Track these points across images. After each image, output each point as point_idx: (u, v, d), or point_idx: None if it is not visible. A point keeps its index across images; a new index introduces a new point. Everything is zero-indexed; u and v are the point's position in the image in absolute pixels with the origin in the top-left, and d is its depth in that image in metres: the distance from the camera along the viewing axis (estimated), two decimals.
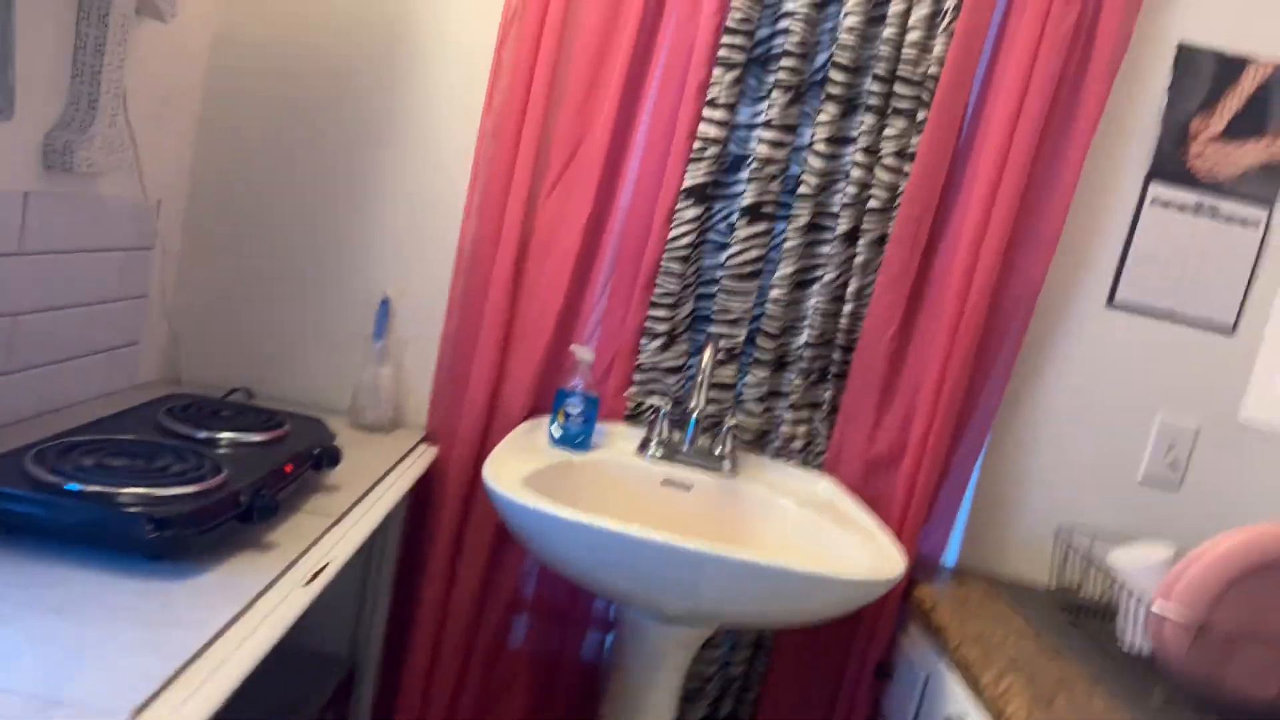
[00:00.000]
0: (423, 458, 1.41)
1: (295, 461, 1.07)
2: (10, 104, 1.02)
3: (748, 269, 1.44)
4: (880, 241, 1.42)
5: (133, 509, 0.85)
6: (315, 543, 1.00)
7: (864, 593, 1.16)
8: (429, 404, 1.50)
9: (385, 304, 1.48)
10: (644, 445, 1.44)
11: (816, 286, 1.45)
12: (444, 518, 1.42)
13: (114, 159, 1.20)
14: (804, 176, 1.41)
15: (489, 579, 1.46)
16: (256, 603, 0.85)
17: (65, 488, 0.86)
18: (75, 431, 1.01)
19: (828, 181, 1.42)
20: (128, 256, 1.33)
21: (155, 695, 0.68)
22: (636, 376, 1.47)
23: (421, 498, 1.45)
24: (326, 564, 0.97)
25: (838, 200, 1.43)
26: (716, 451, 1.43)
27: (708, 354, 1.38)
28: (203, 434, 1.10)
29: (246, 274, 1.49)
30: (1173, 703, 1.14)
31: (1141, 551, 1.28)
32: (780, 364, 1.48)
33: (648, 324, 1.44)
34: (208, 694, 0.70)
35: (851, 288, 1.44)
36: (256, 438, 1.11)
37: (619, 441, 1.46)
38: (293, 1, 1.44)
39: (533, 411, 1.46)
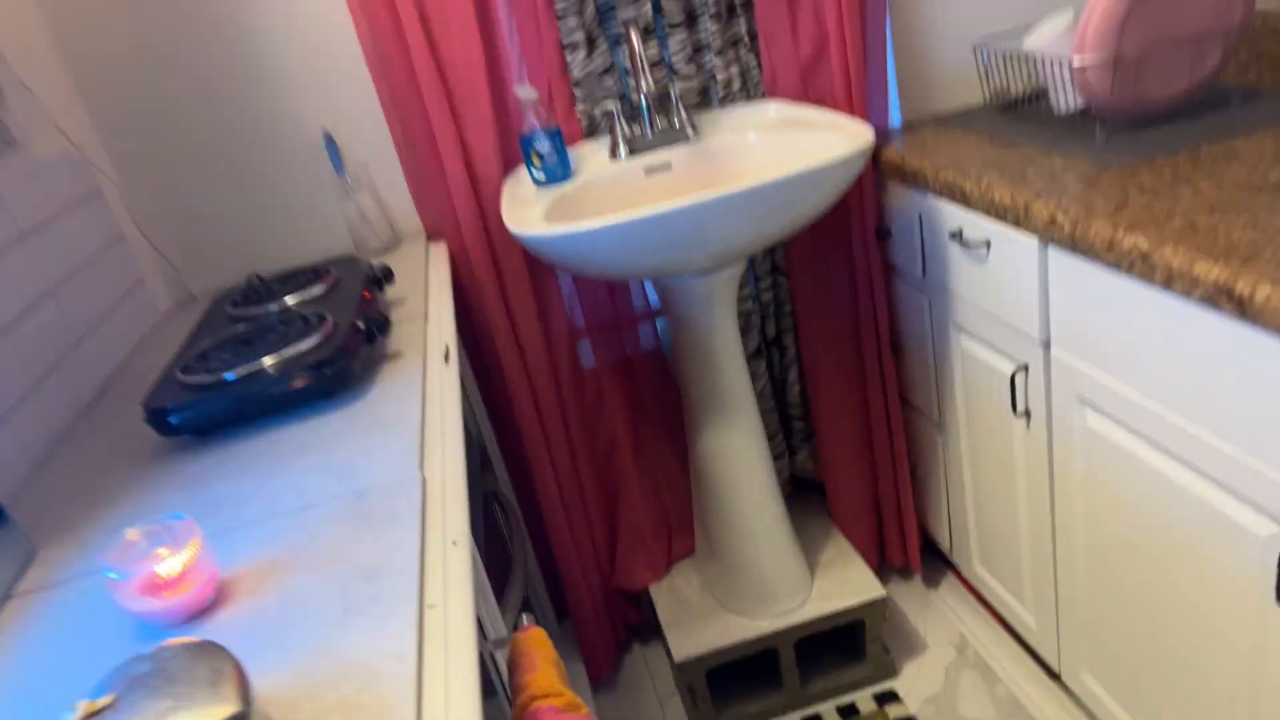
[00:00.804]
0: (439, 253, 1.53)
1: (367, 288, 1.19)
2: None
3: None
4: None
5: (290, 373, 0.99)
6: (425, 335, 1.16)
7: (850, 168, 1.34)
8: (415, 208, 1.60)
9: (329, 138, 1.53)
10: (614, 150, 1.56)
11: None
12: (483, 289, 1.57)
13: (34, 118, 1.21)
14: None
15: (543, 321, 1.63)
16: (426, 386, 1.02)
17: (225, 378, 0.99)
18: (180, 354, 1.12)
19: None
20: (90, 208, 1.36)
21: (421, 457, 0.86)
22: (577, 92, 1.56)
23: (455, 284, 1.59)
24: (446, 345, 1.13)
25: None
26: (675, 124, 1.56)
27: (634, 38, 1.46)
28: (274, 306, 1.22)
29: (191, 177, 1.52)
30: (1111, 134, 1.37)
31: (1047, 27, 1.46)
32: (691, 19, 1.57)
33: (564, 39, 1.51)
34: (450, 445, 0.89)
35: None
36: (319, 289, 1.23)
37: (591, 157, 1.58)
38: None
39: (506, 169, 1.56)
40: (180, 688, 0.53)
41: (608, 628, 1.82)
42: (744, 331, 1.77)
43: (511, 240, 1.56)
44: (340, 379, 1.00)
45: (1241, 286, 0.91)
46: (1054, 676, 1.60)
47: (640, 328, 1.75)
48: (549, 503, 1.71)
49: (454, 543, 0.73)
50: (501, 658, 0.91)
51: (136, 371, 1.27)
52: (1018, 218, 1.25)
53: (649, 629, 1.92)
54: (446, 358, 1.10)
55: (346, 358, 1.01)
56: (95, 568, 0.81)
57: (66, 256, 1.25)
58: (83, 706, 0.53)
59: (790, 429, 1.90)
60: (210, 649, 0.57)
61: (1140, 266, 1.04)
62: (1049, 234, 1.19)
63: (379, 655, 0.61)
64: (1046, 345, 1.29)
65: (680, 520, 1.86)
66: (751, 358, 1.80)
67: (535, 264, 1.61)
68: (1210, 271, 0.94)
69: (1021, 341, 1.34)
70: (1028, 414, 1.37)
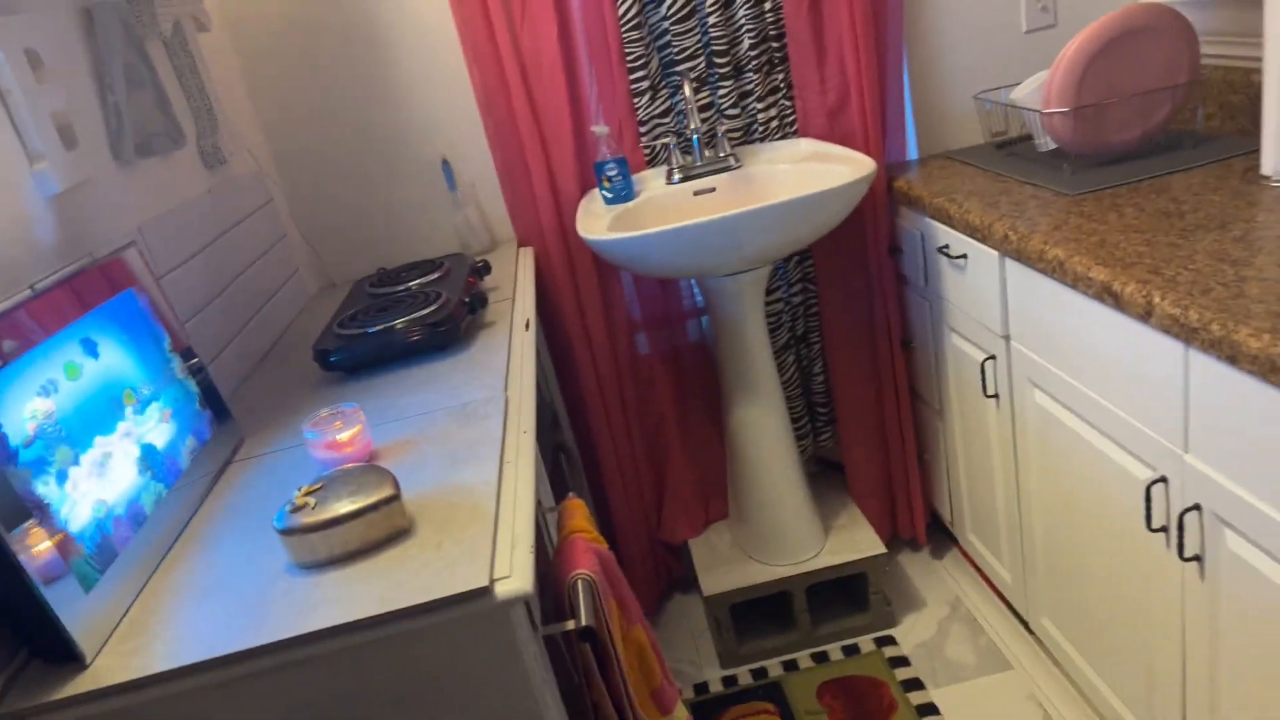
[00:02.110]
0: (527, 256, 1.92)
1: (472, 275, 1.58)
2: (181, 134, 1.46)
3: (683, 10, 1.86)
4: None
5: (414, 329, 1.37)
6: (513, 311, 1.53)
7: (851, 192, 1.65)
8: (510, 220, 1.99)
9: (445, 164, 1.94)
10: (669, 176, 1.92)
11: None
12: (560, 286, 1.95)
13: (235, 144, 1.64)
14: None
15: (607, 313, 2.00)
16: (511, 344, 1.39)
17: (368, 331, 1.39)
18: (336, 316, 1.53)
19: None
20: (265, 212, 1.79)
21: (505, 384, 1.23)
22: (641, 129, 1.93)
23: (539, 279, 1.97)
24: (528, 319, 1.50)
25: None
26: (721, 155, 1.91)
27: (687, 87, 1.83)
28: (401, 287, 1.61)
29: (338, 191, 1.94)
30: (1076, 170, 1.66)
31: (1030, 81, 1.76)
32: (738, 70, 1.92)
33: (632, 85, 1.89)
34: (526, 378, 1.25)
35: None
36: (434, 275, 1.63)
37: (650, 182, 1.95)
38: None
39: (583, 190, 1.94)
40: (360, 482, 0.91)
41: (652, 573, 2.16)
42: (775, 328, 2.10)
43: (584, 246, 1.93)
44: (449, 336, 1.39)
45: (1117, 285, 1.20)
46: (1027, 628, 1.87)
47: (688, 323, 2.10)
48: (607, 464, 2.06)
49: (524, 432, 1.09)
50: (553, 520, 1.26)
51: (296, 334, 1.69)
52: (983, 235, 1.56)
53: (687, 581, 2.25)
54: (527, 326, 1.47)
55: (455, 322, 1.40)
56: (286, 447, 1.20)
57: (251, 247, 1.67)
58: (303, 489, 0.91)
59: (815, 414, 2.21)
60: (376, 468, 0.94)
61: (1058, 272, 1.34)
62: (1004, 248, 1.49)
63: (474, 482, 0.97)
64: (1007, 338, 1.58)
65: (716, 487, 2.19)
66: (781, 351, 2.12)
67: (603, 267, 1.98)
68: (1100, 274, 1.24)
69: (989, 336, 1.64)
70: (996, 396, 1.67)
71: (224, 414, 1.22)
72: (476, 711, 0.85)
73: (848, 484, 2.17)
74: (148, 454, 1.02)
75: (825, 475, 2.26)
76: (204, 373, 1.21)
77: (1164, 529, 1.24)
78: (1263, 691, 1.12)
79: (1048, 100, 1.63)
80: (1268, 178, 1.43)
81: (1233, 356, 1.01)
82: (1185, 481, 1.17)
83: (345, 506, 0.88)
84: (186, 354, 1.19)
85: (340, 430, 1.06)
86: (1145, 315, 1.15)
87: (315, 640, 0.79)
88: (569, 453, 1.79)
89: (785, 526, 1.96)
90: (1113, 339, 1.26)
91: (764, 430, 1.92)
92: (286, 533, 0.87)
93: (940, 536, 2.22)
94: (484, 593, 0.80)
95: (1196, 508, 1.15)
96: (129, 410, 1.02)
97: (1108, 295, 1.22)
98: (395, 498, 0.89)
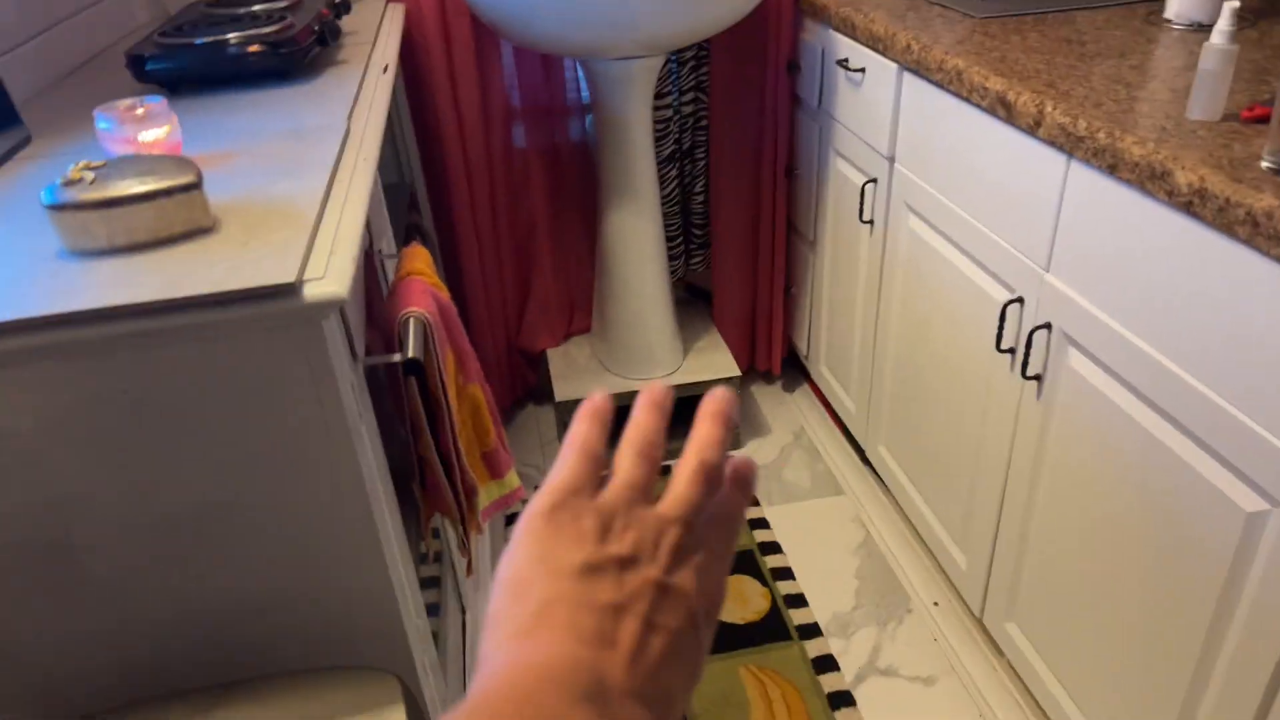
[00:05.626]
0: (396, 10, 1.71)
1: (329, 8, 1.39)
2: None
3: None
4: None
5: (251, 45, 1.19)
6: (370, 55, 1.36)
7: None
8: None
9: None
10: None
11: None
12: (432, 55, 1.76)
13: None
14: None
15: (483, 94, 1.84)
16: (363, 83, 1.23)
17: (195, 42, 1.20)
18: (160, 27, 1.31)
19: None
20: None
21: (349, 116, 1.09)
22: None
23: (408, 47, 1.78)
24: (387, 64, 1.34)
25: None
26: None
27: None
28: (243, 9, 1.40)
29: None
30: None
31: None
32: None
33: None
34: (374, 118, 1.11)
35: None
36: (284, 3, 1.42)
37: None
38: None
39: None
40: (155, 166, 0.77)
41: (506, 380, 2.10)
42: (661, 137, 1.99)
43: (463, 11, 1.74)
44: (292, 61, 1.21)
45: (1011, 95, 1.16)
46: (864, 459, 1.93)
47: (571, 120, 1.96)
48: (468, 262, 1.95)
49: (364, 158, 0.96)
50: (391, 268, 1.16)
51: (114, 56, 1.46)
52: (885, 46, 1.48)
53: (540, 393, 2.20)
54: (385, 70, 1.31)
55: (300, 46, 1.22)
56: (81, 151, 1.03)
57: None
58: (82, 163, 0.77)
59: (690, 236, 2.15)
60: (177, 157, 0.80)
61: (955, 83, 1.28)
62: (905, 58, 1.43)
63: (297, 192, 0.85)
64: (892, 159, 1.54)
65: (582, 301, 2.12)
66: (665, 163, 2.03)
67: (482, 39, 1.80)
68: (996, 84, 1.19)
69: (874, 158, 1.59)
70: (871, 222, 1.64)
71: (10, 113, 1.03)
72: (286, 438, 0.77)
73: (713, 313, 2.15)
74: None
75: (692, 303, 2.23)
76: None
77: (1011, 350, 1.25)
78: (1070, 512, 1.17)
79: None
80: (1169, 21, 1.40)
81: (1114, 165, 0.99)
82: (1041, 300, 1.17)
83: (133, 187, 0.74)
84: None
85: (143, 124, 0.91)
86: (1034, 126, 1.12)
87: (81, 322, 0.67)
88: (427, 238, 1.66)
89: (646, 342, 1.92)
90: (997, 155, 1.23)
91: (638, 239, 1.85)
92: (57, 208, 0.73)
93: (794, 373, 2.24)
94: (290, 290, 0.69)
95: (1047, 326, 1.16)
96: None
97: (1001, 106, 1.18)
98: (196, 186, 0.77)
